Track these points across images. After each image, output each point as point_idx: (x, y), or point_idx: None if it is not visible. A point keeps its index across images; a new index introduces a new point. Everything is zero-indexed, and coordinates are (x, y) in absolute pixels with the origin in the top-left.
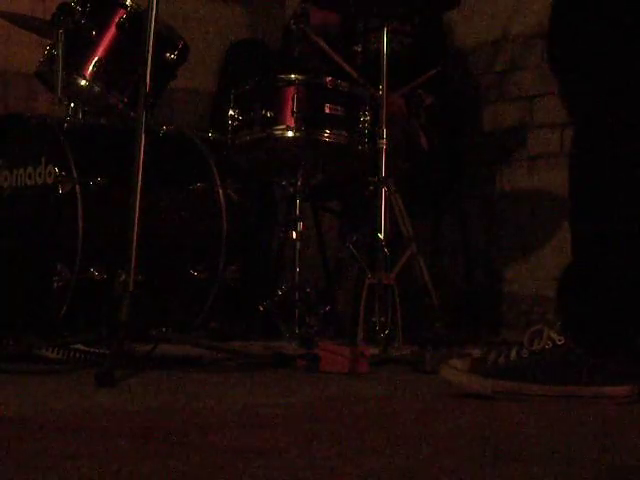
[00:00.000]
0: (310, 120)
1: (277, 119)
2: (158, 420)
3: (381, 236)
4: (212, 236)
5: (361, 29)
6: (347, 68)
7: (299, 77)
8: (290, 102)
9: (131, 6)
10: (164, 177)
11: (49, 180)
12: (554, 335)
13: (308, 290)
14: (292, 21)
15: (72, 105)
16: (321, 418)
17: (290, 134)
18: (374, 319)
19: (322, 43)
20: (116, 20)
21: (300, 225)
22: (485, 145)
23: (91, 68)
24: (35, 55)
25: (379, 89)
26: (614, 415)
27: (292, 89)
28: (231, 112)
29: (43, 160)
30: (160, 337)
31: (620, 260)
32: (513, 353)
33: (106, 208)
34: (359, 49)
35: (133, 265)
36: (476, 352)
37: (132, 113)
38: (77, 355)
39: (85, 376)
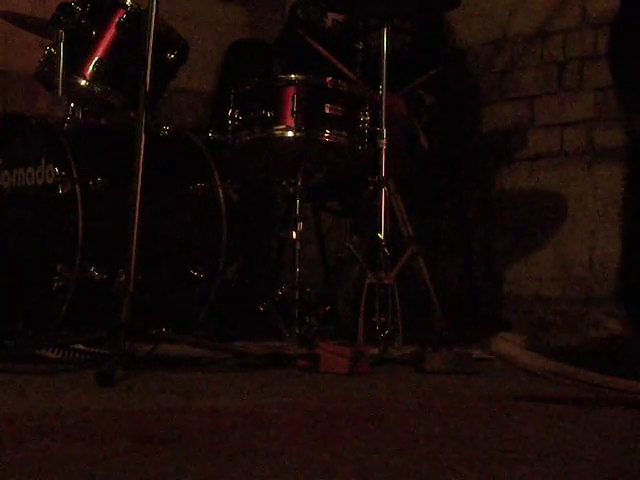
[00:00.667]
0: (310, 120)
1: (277, 119)
2: (158, 420)
3: (381, 236)
4: (212, 236)
5: (362, 27)
6: (345, 71)
7: (299, 77)
8: (290, 102)
9: (131, 6)
10: (164, 177)
11: (49, 180)
12: (613, 325)
13: (308, 290)
14: (300, 10)
15: (72, 105)
16: (321, 418)
17: (290, 134)
18: (374, 319)
19: (319, 47)
20: (116, 20)
21: (300, 225)
22: (485, 145)
23: (91, 68)
24: (35, 55)
25: (379, 89)
26: (615, 415)
27: (292, 89)
28: (231, 112)
29: (43, 160)
30: (160, 337)
31: None
32: (567, 337)
33: (106, 208)
34: (360, 47)
35: (133, 265)
36: (476, 352)
37: (132, 113)
38: (77, 355)
39: (85, 376)
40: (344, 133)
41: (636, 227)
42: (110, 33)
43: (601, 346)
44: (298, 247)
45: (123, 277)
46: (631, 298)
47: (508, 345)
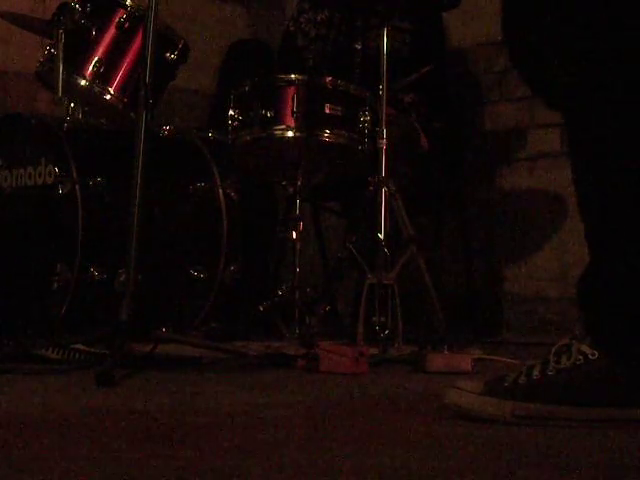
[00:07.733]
0: (310, 120)
1: (277, 119)
2: (158, 420)
3: (381, 236)
4: (212, 236)
5: (360, 27)
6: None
7: (299, 77)
8: (290, 102)
9: (131, 6)
10: (164, 177)
11: (49, 180)
12: (586, 349)
13: (308, 290)
14: (290, 23)
15: (72, 105)
16: (321, 418)
17: (290, 134)
18: (374, 319)
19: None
20: (116, 20)
21: (300, 225)
22: (485, 145)
23: (91, 68)
24: (35, 55)
25: (379, 89)
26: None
27: (292, 89)
28: (231, 112)
29: (43, 160)
30: (160, 337)
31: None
32: (536, 371)
33: (106, 208)
34: (359, 47)
35: (133, 265)
36: (476, 352)
37: (132, 113)
38: (77, 355)
39: (85, 376)
40: (344, 133)
41: None
42: (110, 33)
43: (570, 375)
44: (298, 247)
45: (123, 277)
46: (592, 315)
47: (462, 395)
